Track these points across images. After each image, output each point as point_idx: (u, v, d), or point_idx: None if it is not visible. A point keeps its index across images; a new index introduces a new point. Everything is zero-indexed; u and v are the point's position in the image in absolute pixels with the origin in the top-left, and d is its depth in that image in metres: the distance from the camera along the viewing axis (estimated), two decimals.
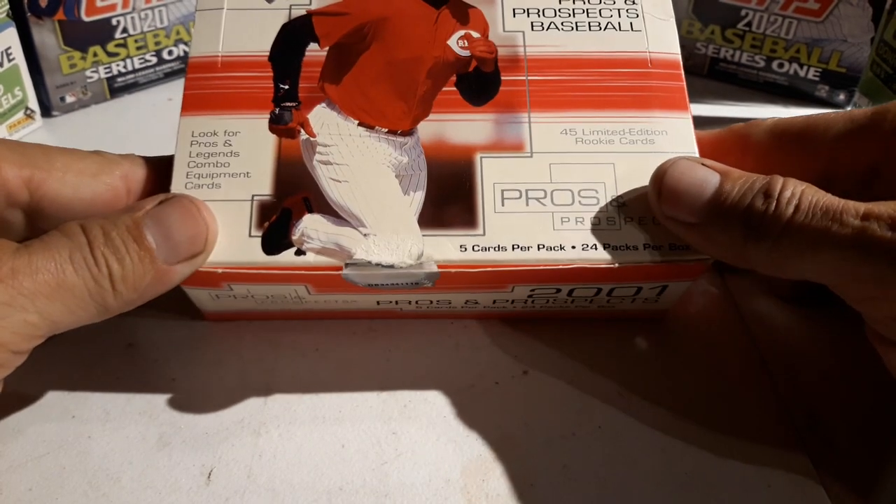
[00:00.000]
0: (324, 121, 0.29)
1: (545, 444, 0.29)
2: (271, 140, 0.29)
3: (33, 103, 0.44)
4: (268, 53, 0.30)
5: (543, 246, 0.27)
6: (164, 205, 0.26)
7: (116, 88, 0.46)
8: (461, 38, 0.31)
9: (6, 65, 0.41)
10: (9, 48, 0.41)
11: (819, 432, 0.29)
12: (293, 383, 0.31)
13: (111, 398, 0.30)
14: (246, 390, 0.30)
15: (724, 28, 0.47)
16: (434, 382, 0.31)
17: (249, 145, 0.28)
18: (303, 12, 0.31)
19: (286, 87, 0.29)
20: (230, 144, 0.28)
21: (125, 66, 0.46)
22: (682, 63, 0.30)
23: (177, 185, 0.28)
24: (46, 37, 0.42)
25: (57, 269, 0.23)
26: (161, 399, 0.30)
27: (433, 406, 0.30)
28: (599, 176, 0.28)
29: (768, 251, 0.25)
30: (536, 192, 0.28)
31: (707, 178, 0.26)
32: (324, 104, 0.29)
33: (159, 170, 0.29)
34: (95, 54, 0.44)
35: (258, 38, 0.30)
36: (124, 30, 0.44)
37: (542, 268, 0.27)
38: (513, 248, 0.27)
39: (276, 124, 0.29)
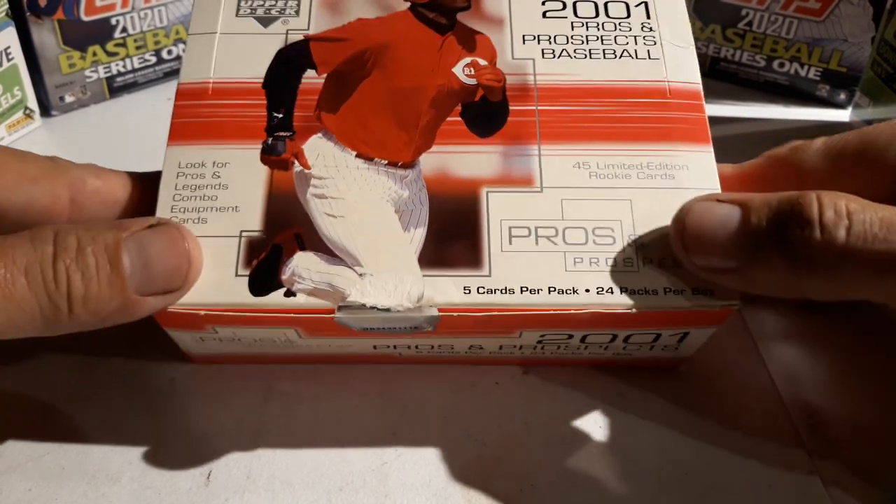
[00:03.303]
0: (319, 152, 0.27)
1: (545, 444, 0.28)
2: (262, 172, 0.27)
3: (32, 103, 0.43)
4: (262, 80, 0.28)
5: (555, 289, 0.25)
6: (151, 231, 0.24)
7: (116, 88, 0.46)
8: (467, 65, 0.29)
9: (5, 64, 0.41)
10: (8, 48, 0.41)
11: (819, 432, 0.29)
12: (293, 384, 0.30)
13: (111, 398, 0.30)
14: (246, 390, 0.30)
15: (725, 27, 0.47)
16: (434, 383, 0.30)
17: (239, 177, 0.26)
18: (300, 37, 0.29)
19: (280, 115, 0.28)
20: (218, 176, 0.26)
21: (124, 66, 0.45)
22: (703, 93, 0.28)
23: None
24: (46, 36, 0.42)
25: (6, 279, 0.21)
26: (161, 399, 0.30)
27: (433, 406, 0.29)
28: (615, 213, 0.26)
29: (827, 281, 0.23)
30: (547, 230, 0.26)
31: (729, 215, 0.24)
32: (320, 134, 0.27)
33: (144, 185, 0.27)
34: (95, 54, 0.44)
35: (252, 64, 0.29)
36: (123, 29, 0.44)
37: (552, 312, 0.25)
38: (521, 291, 0.25)
39: (269, 155, 0.27)
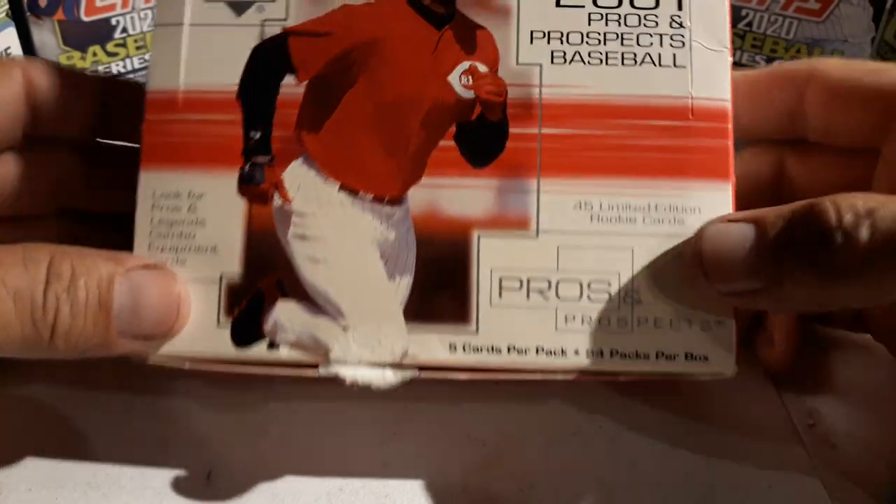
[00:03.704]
0: (300, 182, 0.25)
1: (545, 444, 0.29)
2: (241, 205, 0.25)
3: None
4: (236, 88, 0.25)
5: (542, 349, 0.24)
6: (147, 272, 0.24)
7: None
8: (465, 72, 0.25)
9: None
10: (8, 48, 0.41)
11: (819, 432, 0.29)
12: (293, 383, 0.29)
13: (112, 397, 0.30)
14: (246, 390, 0.30)
15: None
16: (435, 383, 0.30)
17: (216, 212, 0.25)
18: (278, 30, 0.26)
19: (257, 135, 0.25)
20: (195, 210, 0.25)
21: (125, 66, 0.45)
22: (731, 112, 0.25)
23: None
24: (46, 37, 0.42)
25: None
26: (161, 399, 0.30)
27: (434, 407, 0.30)
28: (614, 264, 0.24)
29: (862, 286, 0.22)
30: (539, 283, 0.24)
31: (744, 234, 0.23)
32: (301, 160, 0.25)
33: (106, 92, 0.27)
34: (95, 54, 0.44)
35: (225, 67, 0.26)
36: (124, 29, 0.44)
37: (537, 378, 0.24)
38: (508, 351, 0.24)
39: (246, 185, 0.25)
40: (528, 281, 0.24)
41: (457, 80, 0.25)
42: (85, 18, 0.42)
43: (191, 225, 0.25)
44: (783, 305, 0.23)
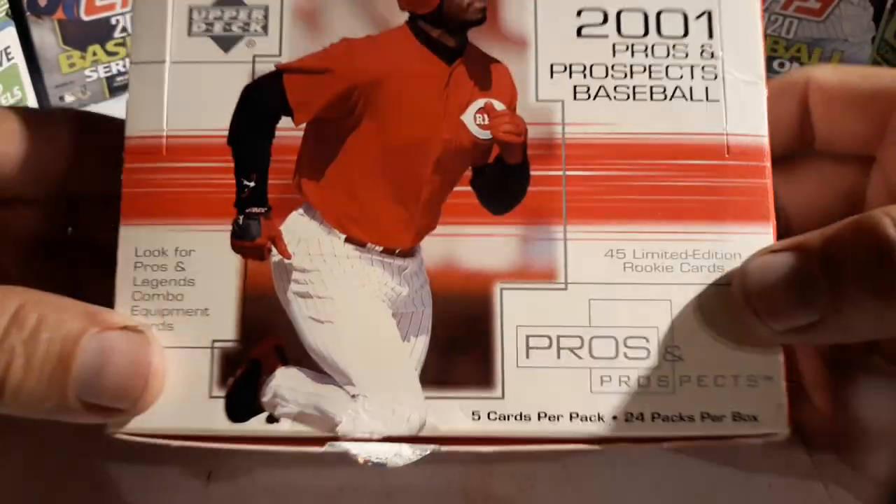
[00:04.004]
0: (301, 235, 0.23)
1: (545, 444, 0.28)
2: (234, 262, 0.22)
3: (32, 103, 0.44)
4: (226, 133, 0.23)
5: (577, 415, 0.22)
6: (120, 334, 0.21)
7: (116, 88, 0.46)
8: (480, 110, 0.23)
9: (5, 64, 0.41)
10: (8, 47, 0.41)
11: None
12: None
13: None
14: None
15: None
16: None
17: (207, 269, 0.22)
18: (271, 68, 0.23)
19: (252, 184, 0.23)
20: (183, 268, 0.22)
21: (124, 66, 0.46)
22: (768, 149, 0.23)
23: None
24: (46, 36, 0.42)
25: None
26: None
27: None
28: (651, 317, 0.22)
29: None
30: (571, 340, 0.22)
31: (790, 264, 0.21)
32: (301, 210, 0.23)
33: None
34: (94, 53, 0.44)
35: (213, 108, 0.23)
36: (123, 29, 0.44)
37: (572, 447, 0.22)
38: (539, 417, 0.22)
39: (241, 240, 0.22)
40: (558, 338, 0.22)
41: (471, 119, 0.23)
42: (85, 18, 0.43)
43: (179, 285, 0.22)
44: (845, 335, 0.21)
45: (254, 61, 0.23)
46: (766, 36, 0.24)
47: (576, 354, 0.22)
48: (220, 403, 0.22)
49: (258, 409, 0.22)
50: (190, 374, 0.22)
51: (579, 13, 0.24)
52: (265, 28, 0.24)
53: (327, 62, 0.23)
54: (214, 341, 0.22)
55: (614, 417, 0.22)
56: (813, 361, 0.25)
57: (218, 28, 0.24)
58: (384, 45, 0.23)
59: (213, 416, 0.22)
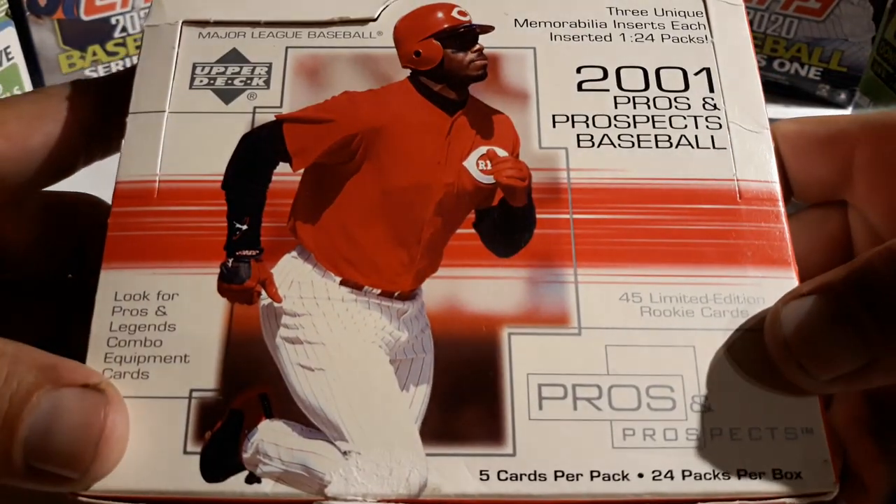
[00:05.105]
0: (294, 277, 0.21)
1: None
2: (220, 306, 0.21)
3: None
4: (221, 178, 0.22)
5: (598, 473, 0.19)
6: (77, 393, 0.19)
7: None
8: (482, 157, 0.23)
9: (5, 64, 0.41)
10: (8, 47, 0.41)
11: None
12: None
13: None
14: None
15: None
16: None
17: (190, 314, 0.21)
18: (270, 118, 0.23)
19: (244, 227, 0.22)
20: (164, 312, 0.21)
21: (124, 66, 0.45)
22: (781, 195, 0.22)
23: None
24: (45, 36, 0.42)
25: None
26: None
27: None
28: (675, 365, 0.20)
29: None
30: (588, 390, 0.20)
31: (824, 308, 0.19)
32: (294, 253, 0.21)
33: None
34: (94, 53, 0.44)
35: (209, 155, 0.22)
36: (123, 29, 0.44)
37: None
38: (555, 477, 0.19)
39: (229, 283, 0.21)
40: (574, 388, 0.20)
41: (474, 164, 0.23)
42: (84, 18, 0.43)
43: (158, 331, 0.20)
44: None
45: (254, 112, 0.23)
46: (763, 88, 0.24)
47: (594, 405, 0.20)
48: (196, 460, 0.19)
49: (238, 468, 0.19)
50: (163, 428, 0.19)
51: (579, 70, 0.24)
52: (267, 82, 0.24)
53: (329, 113, 0.23)
54: (193, 391, 0.20)
55: (640, 475, 0.19)
56: (852, 410, 0.23)
57: (220, 81, 0.24)
58: (386, 97, 0.23)
59: (186, 475, 0.19)
